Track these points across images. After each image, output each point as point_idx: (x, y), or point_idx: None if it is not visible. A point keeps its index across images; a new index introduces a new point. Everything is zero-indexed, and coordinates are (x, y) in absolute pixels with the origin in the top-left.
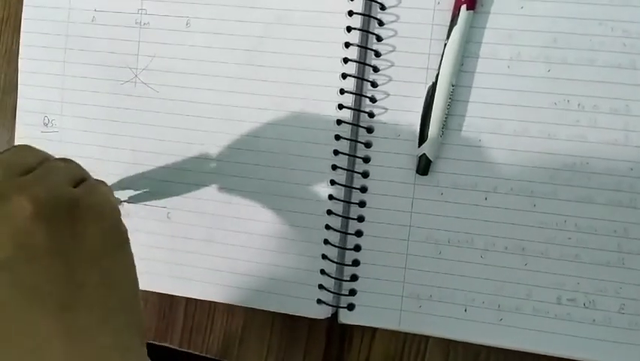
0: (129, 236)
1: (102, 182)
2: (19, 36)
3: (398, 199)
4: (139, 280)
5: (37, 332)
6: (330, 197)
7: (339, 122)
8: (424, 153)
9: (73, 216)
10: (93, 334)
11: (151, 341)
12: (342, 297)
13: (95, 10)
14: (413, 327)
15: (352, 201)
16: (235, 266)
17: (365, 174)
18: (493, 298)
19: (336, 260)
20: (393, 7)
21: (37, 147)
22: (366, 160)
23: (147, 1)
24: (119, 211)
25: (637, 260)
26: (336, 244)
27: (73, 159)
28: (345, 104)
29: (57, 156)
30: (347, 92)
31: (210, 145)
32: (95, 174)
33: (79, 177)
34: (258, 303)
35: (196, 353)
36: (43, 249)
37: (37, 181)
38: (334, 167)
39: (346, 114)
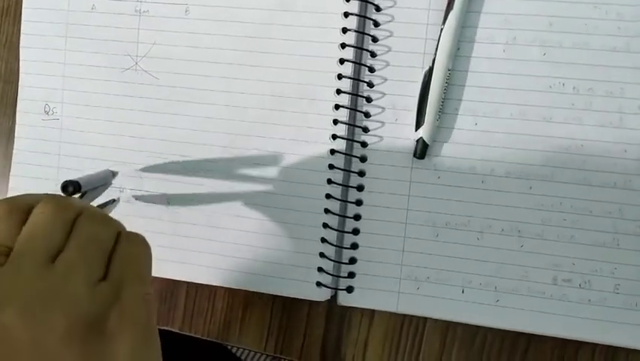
0: (131, 221)
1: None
2: (20, 25)
3: (396, 183)
4: None
5: None
6: (329, 181)
7: (337, 106)
8: (421, 137)
9: (104, 333)
10: None
11: None
12: (341, 280)
13: None
14: (411, 309)
15: (350, 185)
16: (235, 250)
17: (363, 159)
18: (489, 279)
19: (334, 243)
20: None
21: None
22: (364, 144)
23: None
24: (150, 310)
25: (632, 241)
26: (335, 228)
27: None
28: (342, 89)
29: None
30: (345, 77)
31: (210, 131)
32: (97, 161)
33: (108, 251)
34: (258, 286)
35: (197, 336)
36: None
37: (68, 290)
38: (332, 151)
39: (344, 99)
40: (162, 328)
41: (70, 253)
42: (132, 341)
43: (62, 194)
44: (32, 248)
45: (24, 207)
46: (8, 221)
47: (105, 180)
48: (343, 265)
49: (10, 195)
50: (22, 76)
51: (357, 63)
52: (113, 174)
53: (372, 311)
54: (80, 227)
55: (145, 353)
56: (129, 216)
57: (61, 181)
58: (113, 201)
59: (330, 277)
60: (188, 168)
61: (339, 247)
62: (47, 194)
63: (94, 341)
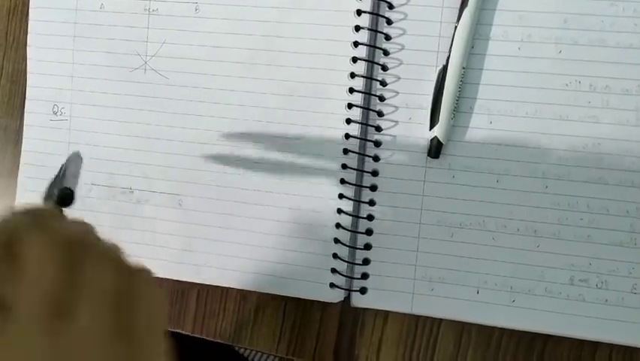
0: (141, 222)
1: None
2: (27, 24)
3: (409, 182)
4: (151, 267)
5: None
6: (342, 181)
7: (350, 105)
8: (436, 136)
9: None
10: None
11: None
12: (355, 281)
13: None
14: (425, 310)
15: (363, 184)
16: (247, 252)
17: (376, 158)
18: (505, 280)
19: (348, 244)
20: None
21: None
22: (377, 144)
23: None
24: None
25: None
26: (348, 228)
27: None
28: (355, 88)
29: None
30: (357, 75)
31: (221, 131)
32: (105, 161)
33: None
34: (271, 288)
35: (209, 338)
36: None
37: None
38: (345, 150)
39: (357, 98)
40: (173, 330)
41: (84, 314)
42: None
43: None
44: (38, 306)
45: (6, 241)
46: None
47: (77, 163)
48: (357, 266)
49: (19, 196)
50: (29, 76)
51: (370, 61)
52: (77, 155)
53: (386, 313)
54: (88, 272)
55: None
56: (139, 218)
57: (90, 185)
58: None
59: (344, 278)
60: (199, 168)
61: (353, 247)
62: (31, 223)
63: None
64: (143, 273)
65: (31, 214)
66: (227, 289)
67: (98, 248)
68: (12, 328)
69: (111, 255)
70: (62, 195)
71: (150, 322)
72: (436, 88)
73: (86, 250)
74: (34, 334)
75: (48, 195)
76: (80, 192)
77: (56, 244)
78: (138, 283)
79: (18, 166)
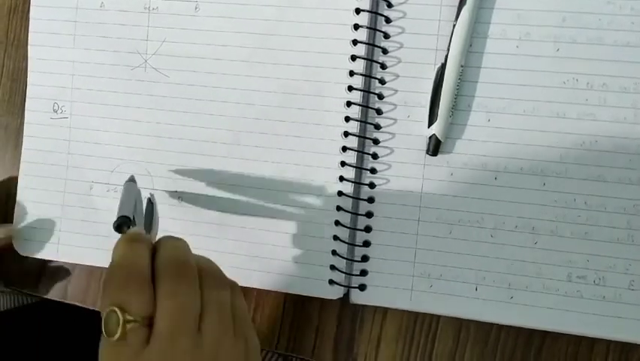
0: None
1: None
2: (28, 23)
3: (408, 180)
4: None
5: None
6: (341, 179)
7: (348, 103)
8: (434, 134)
9: None
10: None
11: None
12: (354, 277)
13: None
14: (424, 306)
15: (363, 182)
16: (246, 249)
17: (375, 156)
18: (503, 276)
19: (347, 241)
20: None
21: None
22: (376, 142)
23: None
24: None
25: None
26: (347, 225)
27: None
28: (354, 86)
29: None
30: (356, 74)
31: (221, 129)
32: (106, 159)
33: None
34: (270, 284)
35: None
36: None
37: (222, 357)
38: (344, 148)
39: (356, 96)
40: None
41: (212, 319)
42: None
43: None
44: (183, 323)
45: (147, 275)
46: (144, 294)
47: (135, 191)
48: (356, 263)
49: (20, 194)
50: (30, 74)
51: (369, 60)
52: (133, 180)
53: (385, 309)
54: (210, 293)
55: None
56: None
57: (91, 182)
58: (151, 203)
59: (343, 275)
60: (199, 166)
61: (352, 244)
62: (157, 249)
63: None
64: (236, 285)
65: (140, 243)
66: None
67: (211, 266)
68: (158, 340)
69: (220, 272)
70: (119, 222)
71: (246, 322)
72: (434, 86)
73: (202, 270)
74: (184, 343)
75: (118, 226)
76: (83, 190)
77: (187, 273)
78: (235, 294)
79: (19, 164)
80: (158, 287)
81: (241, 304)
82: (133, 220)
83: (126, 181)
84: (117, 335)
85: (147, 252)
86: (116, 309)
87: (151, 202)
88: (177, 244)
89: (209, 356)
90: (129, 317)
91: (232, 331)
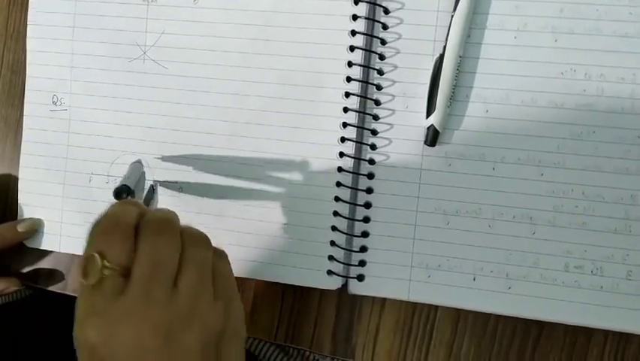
0: None
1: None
2: (27, 15)
3: (406, 170)
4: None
5: None
6: (339, 169)
7: (347, 94)
8: (432, 125)
9: (219, 346)
10: None
11: None
12: (352, 268)
13: None
14: (422, 297)
15: (361, 173)
16: (245, 239)
17: (373, 147)
18: (501, 266)
19: (345, 231)
20: None
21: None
22: (374, 132)
23: None
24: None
25: None
26: (346, 216)
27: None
28: (353, 77)
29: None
30: (355, 64)
31: (219, 120)
32: (105, 151)
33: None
34: (268, 275)
35: None
36: None
37: (197, 311)
38: (343, 139)
39: (354, 87)
40: None
41: (190, 277)
42: (237, 352)
43: (115, 200)
44: (160, 274)
45: (132, 229)
46: (125, 244)
47: (140, 171)
48: (354, 254)
49: (20, 186)
50: (29, 66)
51: (368, 50)
52: (140, 163)
53: (383, 300)
54: (191, 251)
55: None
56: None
57: (90, 174)
58: (153, 188)
59: (341, 265)
60: (198, 157)
61: (350, 235)
62: (146, 213)
63: (214, 354)
64: (223, 252)
65: (132, 205)
66: None
67: (196, 230)
68: (133, 288)
69: (203, 235)
70: (118, 190)
71: (229, 286)
72: (432, 77)
73: (186, 232)
74: (158, 293)
75: (117, 193)
76: (82, 182)
77: (168, 228)
78: (220, 258)
79: (18, 156)
80: (139, 239)
81: (225, 269)
82: (132, 193)
83: (133, 162)
84: (94, 280)
85: (137, 212)
86: (96, 255)
87: (153, 189)
88: (165, 209)
89: (184, 311)
90: (107, 264)
91: (211, 292)
